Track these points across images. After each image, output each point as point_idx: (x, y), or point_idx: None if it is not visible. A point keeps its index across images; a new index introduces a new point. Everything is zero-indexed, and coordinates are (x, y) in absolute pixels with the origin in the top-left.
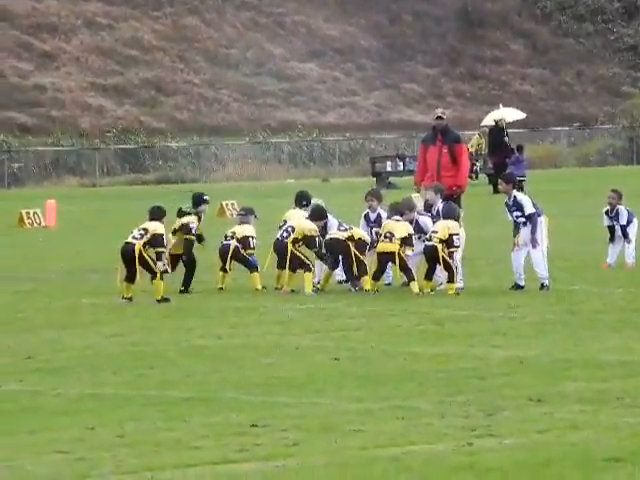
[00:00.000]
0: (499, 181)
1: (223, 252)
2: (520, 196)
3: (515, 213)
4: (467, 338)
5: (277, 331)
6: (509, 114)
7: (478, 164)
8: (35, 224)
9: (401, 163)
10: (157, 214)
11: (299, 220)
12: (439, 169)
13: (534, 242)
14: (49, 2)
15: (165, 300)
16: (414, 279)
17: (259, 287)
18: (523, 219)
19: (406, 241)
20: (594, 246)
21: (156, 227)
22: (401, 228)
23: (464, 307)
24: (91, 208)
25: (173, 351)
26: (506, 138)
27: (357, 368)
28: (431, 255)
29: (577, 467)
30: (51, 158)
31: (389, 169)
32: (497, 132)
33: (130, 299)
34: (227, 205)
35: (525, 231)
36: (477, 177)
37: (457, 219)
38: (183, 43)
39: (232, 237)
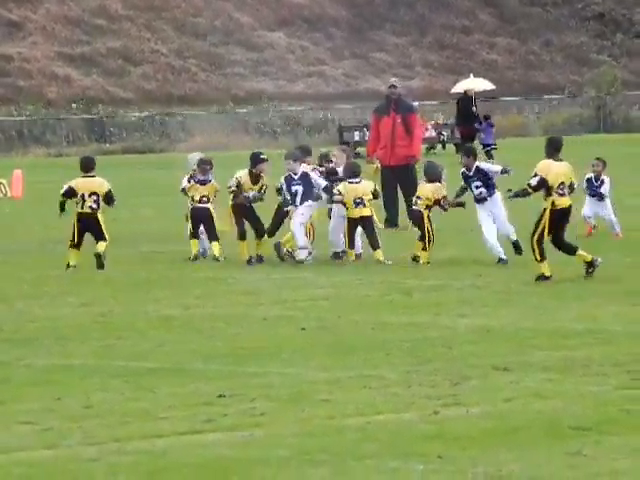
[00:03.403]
0: (461, 155)
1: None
2: (483, 164)
3: (475, 184)
4: (434, 307)
5: (245, 301)
6: (478, 84)
7: (445, 134)
8: (1, 194)
9: (368, 132)
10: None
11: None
12: (393, 139)
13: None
14: None
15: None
16: (379, 246)
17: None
18: (484, 191)
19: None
20: None
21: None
22: (367, 189)
23: (432, 277)
24: (58, 178)
25: (141, 321)
26: (474, 108)
27: (325, 338)
28: (419, 222)
29: (543, 435)
30: (17, 128)
31: (357, 139)
32: (466, 101)
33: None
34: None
35: (485, 205)
36: (444, 147)
37: (440, 180)
38: (151, 12)
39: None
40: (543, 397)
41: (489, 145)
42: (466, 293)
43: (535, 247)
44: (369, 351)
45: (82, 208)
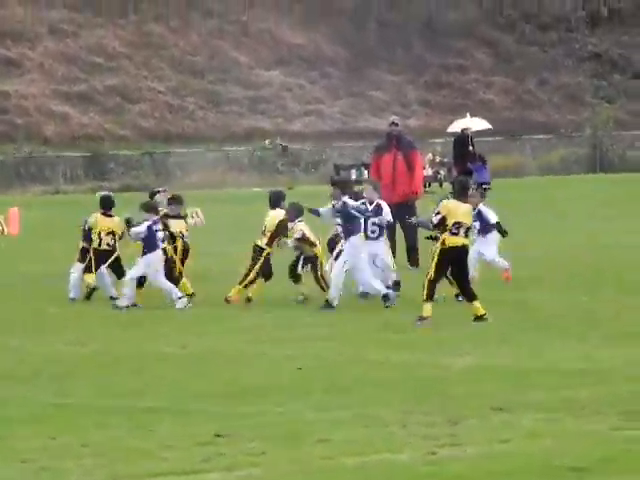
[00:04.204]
0: (470, 193)
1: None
2: (483, 208)
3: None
4: (430, 346)
5: (243, 340)
6: (476, 123)
7: (442, 172)
8: None
9: (366, 171)
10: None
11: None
12: (395, 176)
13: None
14: (14, 9)
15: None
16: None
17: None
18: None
19: None
20: (556, 253)
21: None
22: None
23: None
24: (55, 215)
25: (139, 359)
26: (471, 147)
27: (322, 377)
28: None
29: (541, 476)
30: (15, 166)
31: (354, 177)
32: (462, 140)
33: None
34: (192, 213)
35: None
36: (442, 185)
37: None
38: (148, 50)
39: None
40: (540, 437)
41: (484, 184)
42: (462, 331)
43: (425, 285)
44: (366, 390)
45: (99, 245)
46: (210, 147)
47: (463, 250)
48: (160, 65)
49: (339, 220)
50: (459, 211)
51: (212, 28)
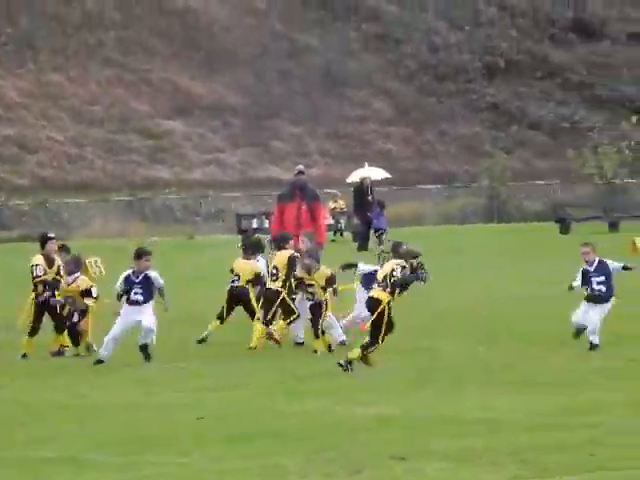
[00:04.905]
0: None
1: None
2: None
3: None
4: (332, 394)
5: (140, 390)
6: (374, 173)
7: (342, 222)
8: None
9: (267, 220)
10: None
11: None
12: (298, 225)
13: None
14: None
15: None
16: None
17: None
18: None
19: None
20: (455, 303)
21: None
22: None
23: (325, 362)
24: None
25: (37, 410)
26: (370, 197)
27: (221, 427)
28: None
29: None
30: None
31: (255, 226)
32: (362, 190)
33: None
34: (91, 263)
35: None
36: (342, 234)
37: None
38: (47, 101)
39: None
40: None
41: (379, 229)
42: (362, 379)
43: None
44: (266, 440)
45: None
46: (109, 197)
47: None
48: (59, 115)
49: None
50: (238, 266)
51: (111, 77)
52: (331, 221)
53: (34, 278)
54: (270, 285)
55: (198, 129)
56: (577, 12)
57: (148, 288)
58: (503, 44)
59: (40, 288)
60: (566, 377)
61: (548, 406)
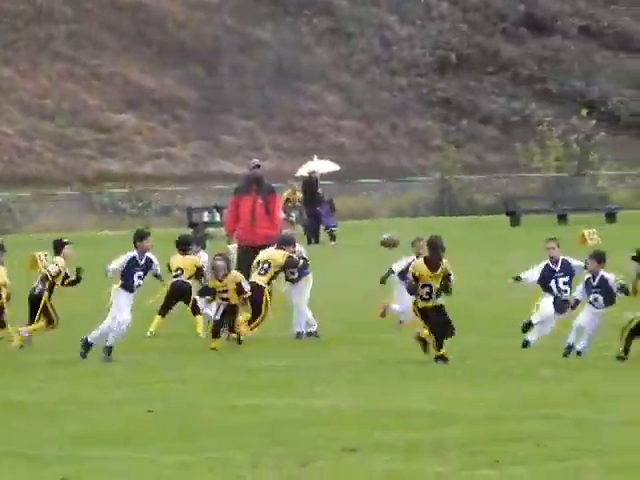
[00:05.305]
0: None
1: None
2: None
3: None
4: (281, 388)
5: (92, 384)
6: (323, 166)
7: (294, 215)
8: None
9: (218, 214)
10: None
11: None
12: (253, 219)
13: None
14: None
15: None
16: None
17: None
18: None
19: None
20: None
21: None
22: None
23: (279, 357)
24: None
25: None
26: (319, 190)
27: (172, 421)
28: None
29: None
30: None
31: (206, 219)
32: (310, 184)
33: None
34: (40, 257)
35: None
36: (293, 228)
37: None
38: None
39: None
40: (390, 478)
41: (330, 226)
42: (314, 373)
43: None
44: (217, 434)
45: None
46: (59, 190)
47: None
48: (8, 108)
49: None
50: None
51: (62, 71)
52: (283, 215)
53: None
54: (255, 279)
55: (149, 123)
56: (528, 6)
57: (145, 273)
58: (454, 39)
59: None
60: (516, 369)
61: (498, 398)
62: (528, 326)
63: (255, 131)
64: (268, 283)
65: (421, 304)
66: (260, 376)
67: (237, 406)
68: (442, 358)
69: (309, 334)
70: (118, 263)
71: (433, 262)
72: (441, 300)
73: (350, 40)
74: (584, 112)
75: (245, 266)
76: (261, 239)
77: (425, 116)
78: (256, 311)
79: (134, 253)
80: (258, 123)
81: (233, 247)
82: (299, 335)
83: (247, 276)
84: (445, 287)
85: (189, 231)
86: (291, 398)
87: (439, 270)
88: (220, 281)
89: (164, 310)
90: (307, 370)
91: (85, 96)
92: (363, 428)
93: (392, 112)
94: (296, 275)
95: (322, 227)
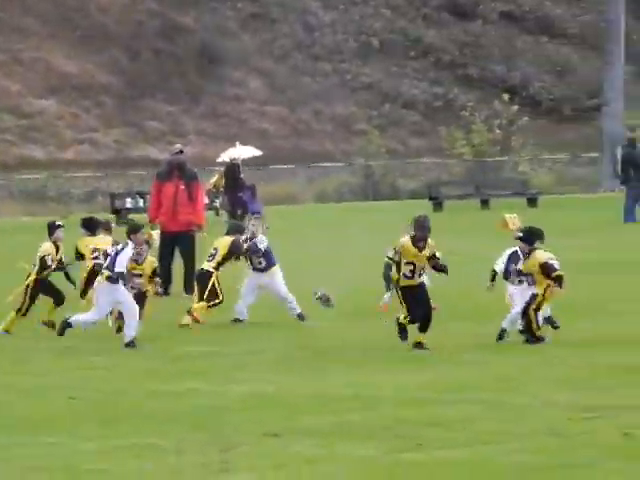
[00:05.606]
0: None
1: None
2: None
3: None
4: (203, 374)
5: (13, 370)
6: (245, 151)
7: (218, 201)
8: None
9: (141, 200)
10: None
11: None
12: (175, 205)
13: None
14: None
15: None
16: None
17: None
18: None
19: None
20: (335, 278)
21: None
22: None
23: (204, 342)
24: None
25: None
26: (241, 175)
27: (95, 407)
28: (206, 282)
29: None
30: None
31: (129, 206)
32: (232, 169)
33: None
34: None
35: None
36: (218, 214)
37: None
38: None
39: None
40: (314, 462)
41: (255, 213)
42: (239, 359)
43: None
44: (140, 420)
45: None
46: None
47: None
48: None
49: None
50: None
51: None
52: (206, 200)
53: None
54: (204, 265)
55: (71, 108)
56: None
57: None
58: (376, 24)
59: None
60: (440, 354)
61: (423, 382)
62: (503, 333)
63: (179, 117)
64: (216, 268)
65: (403, 282)
66: (184, 362)
67: (161, 392)
68: (420, 345)
69: (236, 320)
70: (122, 265)
71: (420, 242)
72: (424, 279)
73: (273, 25)
74: (506, 97)
75: (167, 253)
76: (182, 225)
77: (348, 102)
78: (202, 295)
79: (131, 250)
80: (182, 109)
81: (156, 233)
82: (300, 316)
83: (168, 263)
84: (440, 268)
85: (112, 217)
86: (214, 384)
87: (425, 250)
88: (139, 264)
89: (85, 294)
90: (230, 356)
91: (6, 82)
92: (286, 413)
93: (315, 98)
94: (263, 264)
95: (249, 214)
